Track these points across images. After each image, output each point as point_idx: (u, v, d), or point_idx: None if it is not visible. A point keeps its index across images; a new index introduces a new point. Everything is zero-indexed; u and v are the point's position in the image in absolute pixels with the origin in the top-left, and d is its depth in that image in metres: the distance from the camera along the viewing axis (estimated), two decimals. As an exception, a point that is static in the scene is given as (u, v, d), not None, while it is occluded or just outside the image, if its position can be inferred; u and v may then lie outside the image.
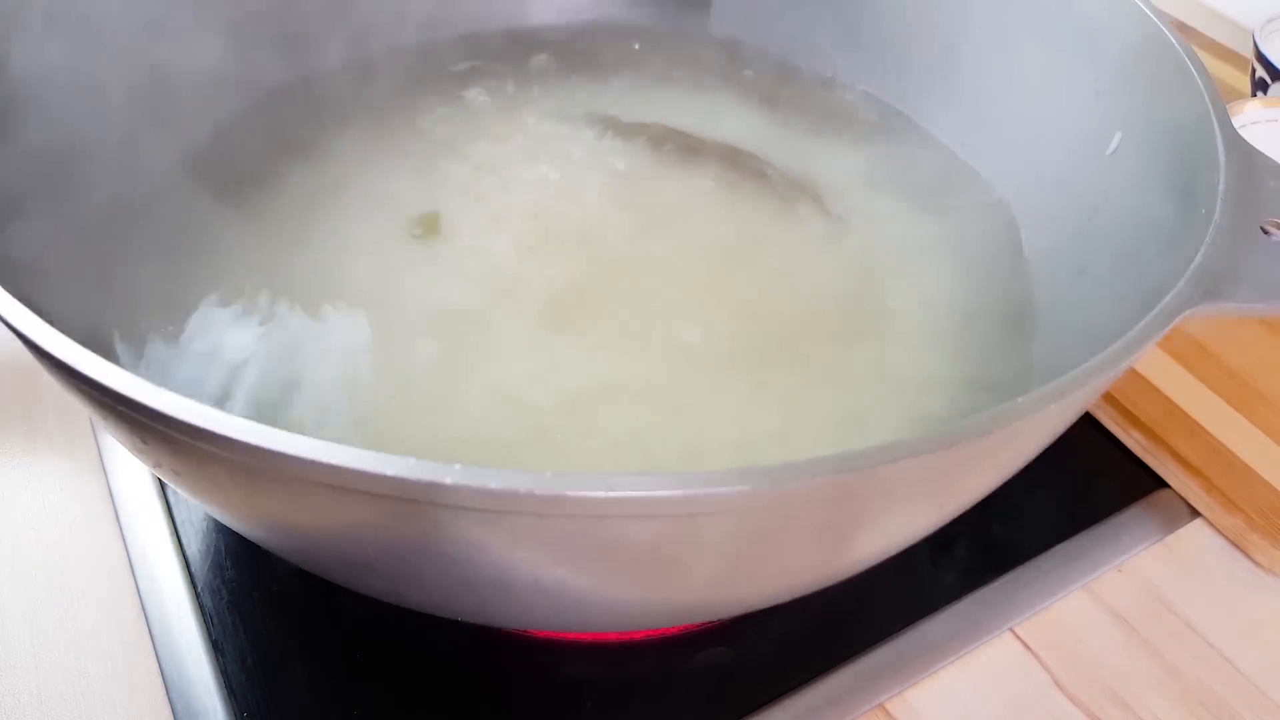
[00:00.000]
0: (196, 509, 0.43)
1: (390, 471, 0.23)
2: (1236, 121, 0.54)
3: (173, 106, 0.49)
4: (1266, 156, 0.36)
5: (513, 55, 0.60)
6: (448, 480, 0.23)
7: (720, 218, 0.50)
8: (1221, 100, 0.38)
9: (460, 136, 0.54)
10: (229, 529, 0.42)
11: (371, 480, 0.23)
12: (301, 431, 0.24)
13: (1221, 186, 0.34)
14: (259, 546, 0.37)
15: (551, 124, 0.55)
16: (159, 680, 0.39)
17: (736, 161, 0.54)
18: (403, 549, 0.27)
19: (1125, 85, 0.44)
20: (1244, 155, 0.36)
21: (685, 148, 0.54)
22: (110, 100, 0.46)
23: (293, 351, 0.42)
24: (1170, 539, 0.46)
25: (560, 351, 0.43)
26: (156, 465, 0.30)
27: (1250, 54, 0.64)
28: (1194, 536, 0.46)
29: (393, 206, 0.49)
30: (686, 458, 0.39)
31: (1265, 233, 0.33)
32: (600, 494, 0.23)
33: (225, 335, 0.43)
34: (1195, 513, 0.47)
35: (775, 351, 0.44)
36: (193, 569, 0.41)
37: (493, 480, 0.23)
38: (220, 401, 0.40)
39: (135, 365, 0.41)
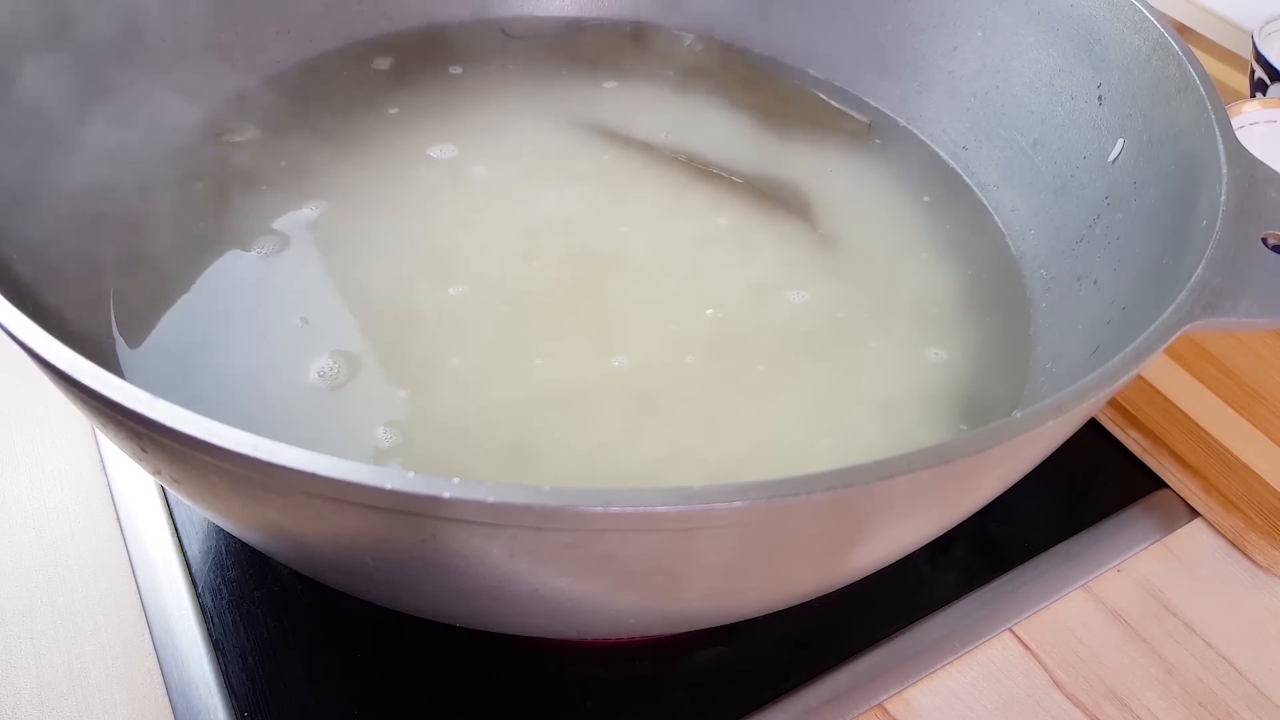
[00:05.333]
0: (197, 509, 0.43)
1: (389, 485, 0.23)
2: (1235, 123, 0.54)
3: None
4: (1269, 168, 0.36)
5: (496, 50, 0.60)
6: (445, 494, 0.23)
7: (707, 225, 0.50)
8: (1224, 109, 0.38)
9: (439, 133, 0.54)
10: (229, 530, 0.42)
11: (370, 493, 0.23)
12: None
13: (1223, 197, 0.34)
14: (259, 548, 0.37)
15: (538, 126, 0.55)
16: (159, 680, 0.39)
17: (724, 167, 0.53)
18: (401, 559, 0.27)
19: (1128, 92, 0.44)
20: (1246, 166, 0.36)
21: (674, 153, 0.54)
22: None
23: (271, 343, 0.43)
24: (1169, 539, 0.46)
25: (538, 355, 0.43)
26: (156, 473, 0.30)
27: (1249, 55, 0.64)
28: (1193, 536, 0.46)
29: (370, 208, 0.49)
30: (670, 466, 0.39)
31: (1266, 245, 0.33)
32: (598, 509, 0.23)
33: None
34: (1194, 513, 0.47)
35: (762, 361, 0.44)
36: (193, 569, 0.42)
37: (490, 494, 0.23)
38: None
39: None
